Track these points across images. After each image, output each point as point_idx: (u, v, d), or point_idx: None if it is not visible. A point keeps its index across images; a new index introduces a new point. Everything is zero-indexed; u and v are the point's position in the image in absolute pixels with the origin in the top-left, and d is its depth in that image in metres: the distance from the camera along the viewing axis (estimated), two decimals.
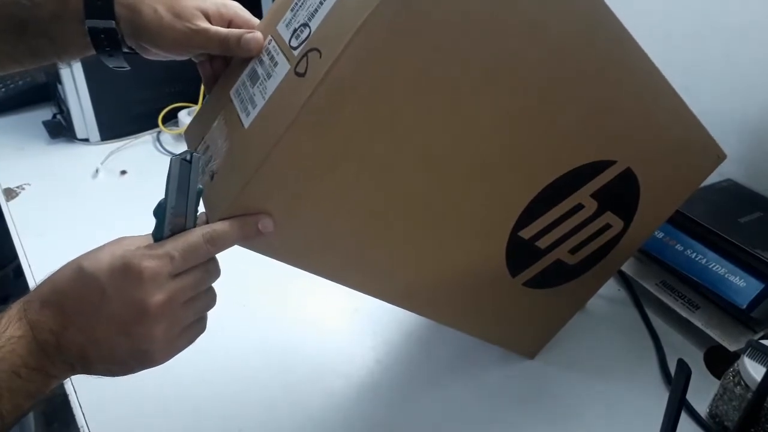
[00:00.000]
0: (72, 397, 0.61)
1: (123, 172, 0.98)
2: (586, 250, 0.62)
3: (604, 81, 0.51)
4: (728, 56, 0.80)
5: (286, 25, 0.49)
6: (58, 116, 1.10)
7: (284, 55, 0.47)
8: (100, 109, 1.04)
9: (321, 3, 0.46)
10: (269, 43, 0.50)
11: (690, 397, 0.54)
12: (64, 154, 1.04)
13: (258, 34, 0.50)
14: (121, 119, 1.07)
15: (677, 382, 0.49)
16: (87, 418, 0.60)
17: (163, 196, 0.41)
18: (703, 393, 0.63)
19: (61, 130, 1.08)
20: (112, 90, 1.04)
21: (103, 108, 1.04)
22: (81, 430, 0.59)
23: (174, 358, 0.65)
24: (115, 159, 1.01)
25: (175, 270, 0.40)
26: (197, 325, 0.44)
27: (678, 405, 0.49)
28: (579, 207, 0.58)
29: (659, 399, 0.53)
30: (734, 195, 0.81)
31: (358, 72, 0.42)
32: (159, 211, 0.41)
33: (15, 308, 0.41)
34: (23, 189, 0.95)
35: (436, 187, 0.51)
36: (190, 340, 0.44)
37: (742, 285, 0.68)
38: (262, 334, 0.70)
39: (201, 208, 0.44)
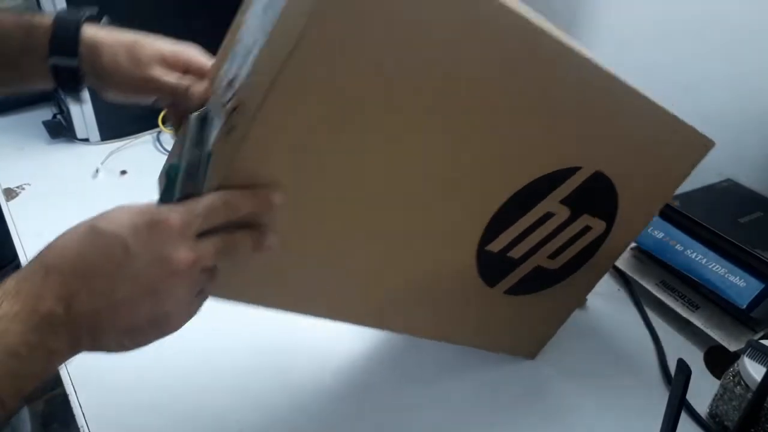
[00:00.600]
0: (72, 397, 0.61)
1: (123, 172, 0.98)
2: (567, 254, 0.61)
3: (550, 97, 0.49)
4: (728, 56, 0.80)
5: (225, 73, 0.49)
6: (58, 116, 1.10)
7: (220, 106, 0.46)
8: (100, 109, 1.04)
9: (247, 54, 0.45)
10: (213, 92, 0.50)
11: (690, 397, 0.54)
12: (64, 154, 1.04)
13: (204, 86, 0.50)
14: (121, 119, 1.07)
15: (677, 382, 0.49)
16: (87, 419, 0.60)
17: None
18: (703, 393, 0.63)
19: (61, 130, 1.08)
20: None
21: (103, 108, 1.04)
22: (81, 430, 0.59)
23: (175, 358, 0.66)
24: (115, 159, 1.01)
25: (199, 229, 0.39)
26: (203, 295, 0.42)
27: (678, 405, 0.49)
28: (549, 215, 0.57)
29: (659, 399, 0.53)
30: (734, 195, 0.81)
31: (279, 127, 0.41)
32: (172, 172, 0.39)
33: (10, 282, 0.36)
34: (23, 189, 0.95)
35: (392, 211, 0.51)
36: (197, 310, 0.42)
37: (742, 285, 0.68)
38: (261, 334, 0.70)
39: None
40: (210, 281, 0.42)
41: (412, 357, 0.69)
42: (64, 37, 0.52)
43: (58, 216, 0.89)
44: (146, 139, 1.07)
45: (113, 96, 0.54)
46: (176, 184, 0.40)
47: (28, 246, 0.83)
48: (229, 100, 0.46)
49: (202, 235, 0.39)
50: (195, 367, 0.66)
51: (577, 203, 0.57)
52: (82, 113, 1.03)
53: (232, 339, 0.69)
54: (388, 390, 0.65)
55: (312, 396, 0.64)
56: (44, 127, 1.09)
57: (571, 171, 0.55)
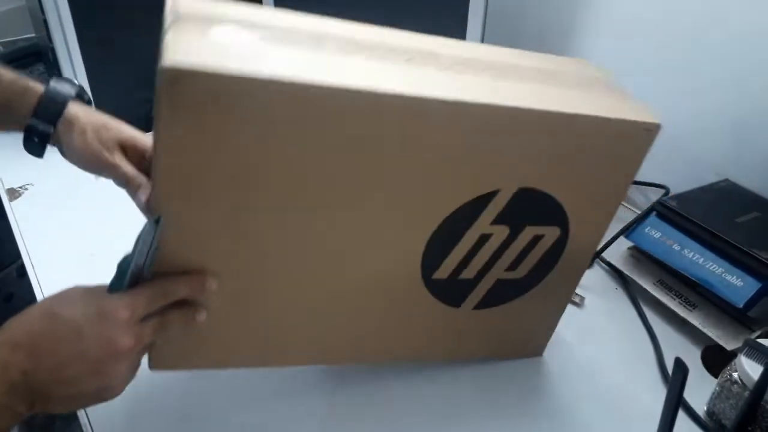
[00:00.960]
0: None
1: None
2: (527, 263, 0.61)
3: (424, 147, 0.49)
4: (727, 57, 0.80)
5: None
6: None
7: None
8: (101, 110, 1.04)
9: None
10: None
11: (687, 395, 0.55)
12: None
13: (145, 195, 0.57)
14: (123, 120, 1.07)
15: (675, 380, 0.49)
16: (90, 419, 0.60)
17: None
18: (700, 392, 0.63)
19: None
20: (114, 91, 1.04)
21: (105, 109, 1.04)
22: (83, 428, 0.60)
23: None
24: None
25: (143, 314, 0.45)
26: (138, 363, 0.48)
27: (675, 403, 0.50)
28: (485, 237, 0.57)
29: (657, 397, 0.54)
30: (731, 195, 0.81)
31: (181, 224, 0.46)
32: (124, 264, 0.45)
33: None
34: (26, 189, 0.95)
35: (319, 271, 0.55)
36: (133, 377, 0.48)
37: (739, 284, 0.68)
38: None
39: None
40: (144, 354, 0.49)
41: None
42: (49, 108, 0.58)
43: (61, 216, 0.90)
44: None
45: (77, 164, 0.61)
46: (126, 275, 0.45)
47: (30, 246, 0.83)
48: None
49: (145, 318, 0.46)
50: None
51: (513, 219, 0.57)
52: None
53: None
54: (387, 387, 0.65)
55: (313, 392, 0.64)
56: None
57: (490, 195, 0.54)
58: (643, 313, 0.76)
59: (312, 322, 0.59)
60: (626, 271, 0.80)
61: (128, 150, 0.60)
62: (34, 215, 0.89)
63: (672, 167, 0.89)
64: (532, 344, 0.69)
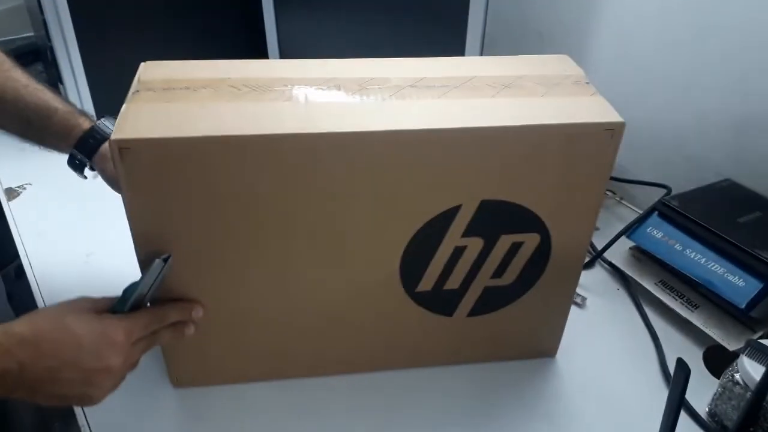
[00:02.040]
0: None
1: None
2: (512, 269, 0.60)
3: (366, 176, 0.52)
4: (727, 56, 0.80)
5: None
6: None
7: None
8: (101, 110, 1.04)
9: None
10: None
11: (689, 396, 0.54)
12: (66, 156, 1.04)
13: None
14: None
15: (676, 381, 0.49)
16: (88, 418, 0.60)
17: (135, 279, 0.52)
18: (702, 392, 0.63)
19: None
20: (113, 94, 1.04)
21: (105, 109, 1.04)
22: (82, 429, 0.59)
23: None
24: None
25: (138, 337, 0.52)
26: (123, 378, 0.54)
27: (677, 404, 0.49)
28: (460, 249, 0.58)
29: (659, 398, 0.54)
30: (733, 195, 0.81)
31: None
32: (129, 292, 0.52)
33: None
34: (24, 189, 0.95)
35: (303, 296, 0.59)
36: (116, 388, 0.53)
37: (741, 284, 0.68)
38: None
39: None
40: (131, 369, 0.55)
41: None
42: (89, 143, 0.68)
43: (59, 216, 0.90)
44: None
45: (112, 187, 0.69)
46: (130, 300, 0.52)
47: (29, 245, 0.83)
48: None
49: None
50: None
51: (484, 231, 0.57)
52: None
53: None
54: (387, 386, 0.65)
55: (314, 391, 0.64)
56: None
57: (453, 211, 0.55)
58: (645, 314, 0.76)
59: (308, 339, 0.62)
60: (628, 272, 0.79)
61: None
62: (32, 215, 0.89)
63: (674, 167, 0.89)
64: (541, 345, 0.69)
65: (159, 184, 0.49)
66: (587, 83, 0.58)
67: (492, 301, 0.63)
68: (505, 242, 0.58)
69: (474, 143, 0.52)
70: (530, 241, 0.59)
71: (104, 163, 0.68)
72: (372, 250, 0.57)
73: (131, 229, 0.51)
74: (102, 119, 0.69)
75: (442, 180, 0.53)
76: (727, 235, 0.70)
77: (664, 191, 0.87)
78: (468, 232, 0.57)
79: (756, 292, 0.67)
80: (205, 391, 0.64)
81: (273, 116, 0.50)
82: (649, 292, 0.76)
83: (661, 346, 0.71)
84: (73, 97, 1.02)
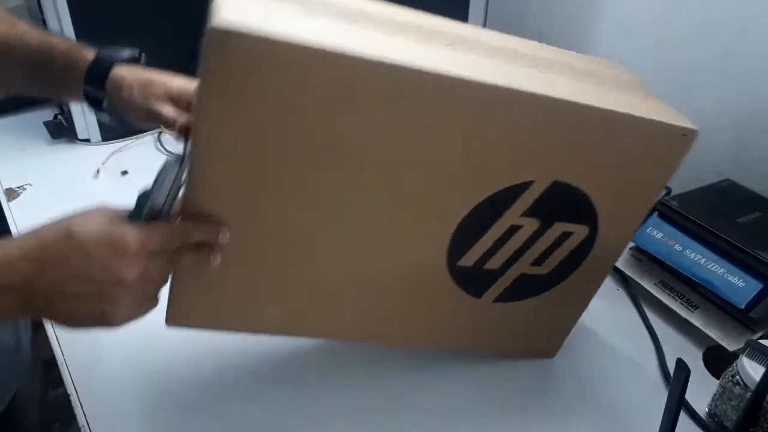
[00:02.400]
0: (73, 398, 0.62)
1: (124, 173, 0.98)
2: (553, 259, 0.60)
3: (469, 130, 0.49)
4: (728, 56, 0.80)
5: None
6: (59, 117, 1.10)
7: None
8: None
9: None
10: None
11: (689, 396, 0.54)
12: (65, 154, 1.04)
13: (185, 118, 0.60)
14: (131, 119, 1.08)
15: (676, 381, 0.49)
16: (88, 418, 0.60)
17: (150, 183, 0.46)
18: (702, 393, 0.63)
19: (62, 130, 1.08)
20: None
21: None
22: (82, 430, 0.59)
23: (176, 357, 0.66)
24: (116, 159, 1.01)
25: (153, 251, 0.46)
26: (152, 301, 0.49)
27: (677, 404, 0.49)
28: (515, 228, 0.57)
29: (658, 398, 0.54)
30: (733, 195, 0.81)
31: (215, 172, 0.47)
32: (143, 198, 0.46)
33: None
34: (24, 189, 0.95)
35: (346, 243, 0.55)
36: (143, 313, 0.49)
37: (740, 285, 0.68)
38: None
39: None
40: (164, 284, 0.50)
41: (411, 353, 0.69)
42: (97, 72, 0.64)
43: (60, 216, 0.90)
44: (147, 139, 1.08)
45: (129, 121, 0.66)
46: (144, 208, 0.46)
47: None
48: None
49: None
50: (196, 366, 0.66)
51: (544, 213, 0.57)
52: (83, 114, 1.03)
53: (234, 338, 0.69)
54: (387, 385, 0.65)
55: (315, 391, 0.64)
56: (45, 128, 1.09)
57: (524, 186, 0.54)
58: (645, 314, 0.76)
59: (332, 296, 0.59)
60: (628, 272, 0.79)
61: (175, 100, 0.62)
62: (32, 216, 0.89)
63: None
64: (545, 345, 0.69)
65: (250, 90, 0.43)
66: (649, 89, 0.58)
67: (522, 289, 0.62)
68: (557, 229, 0.58)
69: (572, 120, 0.51)
70: (579, 233, 0.59)
71: (119, 93, 0.64)
72: (432, 215, 0.55)
73: (195, 139, 0.45)
74: (103, 49, 0.66)
75: (527, 151, 0.52)
76: (727, 236, 0.70)
77: (663, 191, 0.87)
78: (529, 212, 0.56)
79: (756, 293, 0.67)
80: (203, 395, 0.64)
81: (387, 46, 0.46)
82: (649, 292, 0.76)
83: (660, 347, 0.71)
84: None
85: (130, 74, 0.64)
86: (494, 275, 0.60)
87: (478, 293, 0.62)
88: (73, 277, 0.44)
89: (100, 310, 0.45)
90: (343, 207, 0.52)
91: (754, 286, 0.67)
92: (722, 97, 0.81)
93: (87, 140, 1.06)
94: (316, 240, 0.54)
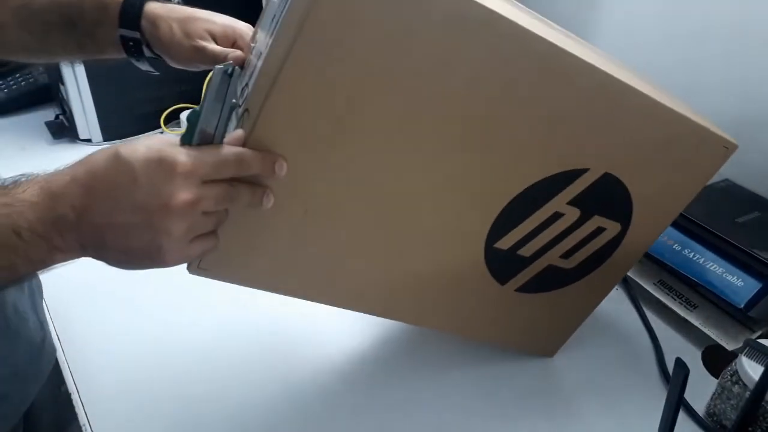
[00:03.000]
0: (74, 396, 0.62)
1: None
2: (581, 254, 0.61)
3: (549, 102, 0.50)
4: (728, 56, 0.80)
5: (253, 48, 0.53)
6: (61, 117, 1.10)
7: (247, 75, 0.51)
8: (102, 110, 1.05)
9: (267, 36, 0.48)
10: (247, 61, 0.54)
11: (688, 396, 0.55)
12: (67, 154, 1.04)
13: (239, 53, 0.57)
14: (123, 120, 1.08)
15: (675, 381, 0.49)
16: (89, 417, 0.60)
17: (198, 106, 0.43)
18: (701, 392, 0.63)
19: (63, 130, 1.08)
20: (114, 91, 1.04)
21: (106, 108, 1.05)
22: (83, 428, 0.60)
23: (177, 356, 0.66)
24: None
25: (206, 176, 0.42)
26: (210, 238, 0.45)
27: (676, 404, 0.49)
28: (557, 215, 0.58)
29: (658, 398, 0.54)
30: (732, 195, 0.81)
31: (287, 112, 0.44)
32: (192, 117, 0.43)
33: (42, 176, 0.43)
34: None
35: (396, 205, 0.53)
36: (201, 252, 0.45)
37: (739, 284, 0.68)
38: (263, 331, 0.71)
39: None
40: (224, 221, 0.46)
41: (413, 352, 0.69)
42: (129, 13, 0.60)
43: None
44: None
45: (172, 63, 0.62)
46: (195, 130, 0.43)
47: None
48: (246, 84, 0.49)
49: (209, 181, 0.42)
50: (197, 365, 0.66)
51: (587, 204, 0.57)
52: (84, 114, 1.03)
53: (234, 338, 0.69)
54: (388, 384, 0.65)
55: (315, 392, 0.64)
56: (47, 128, 1.09)
57: (578, 172, 0.55)
58: (644, 314, 0.76)
59: (366, 266, 0.57)
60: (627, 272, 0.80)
61: (219, 39, 0.60)
62: None
63: None
64: (547, 343, 0.69)
65: (341, 37, 0.42)
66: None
67: (545, 281, 0.63)
68: (594, 223, 0.59)
69: (635, 110, 0.53)
70: (611, 229, 0.60)
71: (156, 31, 0.60)
72: (488, 187, 0.54)
73: (274, 81, 0.42)
74: None
75: (590, 136, 0.53)
76: (725, 235, 0.70)
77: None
78: (575, 201, 0.57)
79: (755, 292, 0.67)
80: (203, 394, 0.64)
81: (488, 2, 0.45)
82: (648, 291, 0.77)
83: (659, 346, 0.71)
84: (74, 97, 1.02)
85: (166, 11, 0.61)
86: (524, 262, 0.61)
87: (503, 280, 0.62)
88: (121, 204, 0.40)
89: (152, 243, 0.41)
90: (404, 172, 0.50)
91: (752, 286, 0.67)
92: (722, 98, 0.81)
93: (88, 140, 1.06)
94: (368, 204, 0.52)
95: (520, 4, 0.54)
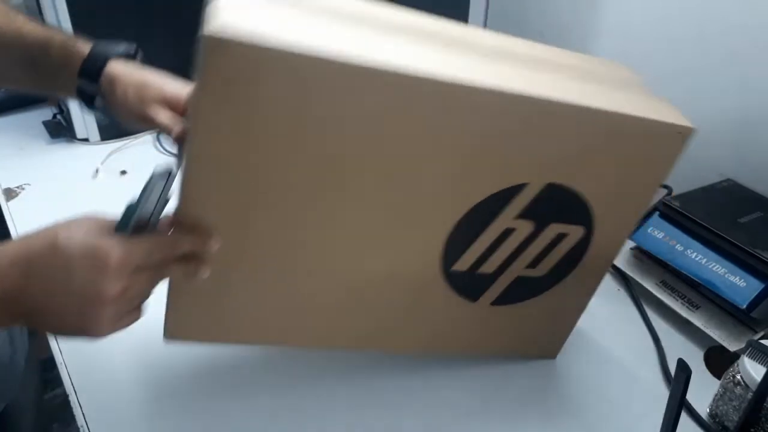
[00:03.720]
0: (72, 398, 0.62)
1: (123, 172, 0.98)
2: (548, 261, 0.60)
3: (456, 132, 0.49)
4: (728, 56, 0.80)
5: None
6: (58, 116, 1.10)
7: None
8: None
9: None
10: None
11: (690, 397, 0.54)
12: (64, 154, 1.04)
13: (179, 128, 0.59)
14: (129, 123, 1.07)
15: (677, 382, 0.49)
16: (87, 419, 0.60)
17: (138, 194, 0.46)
18: (703, 393, 0.63)
19: (61, 130, 1.08)
20: None
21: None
22: (81, 430, 0.59)
23: (175, 358, 0.66)
24: (115, 159, 1.01)
25: (138, 266, 0.45)
26: (136, 313, 0.48)
27: (678, 405, 0.49)
28: (509, 231, 0.57)
29: (659, 399, 0.53)
30: (734, 195, 0.81)
31: (206, 184, 0.47)
32: (130, 210, 0.45)
33: None
34: (23, 189, 0.95)
35: (337, 251, 0.55)
36: (126, 325, 0.48)
37: (742, 285, 0.68)
38: None
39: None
40: (149, 296, 0.49)
41: (410, 356, 0.69)
42: (91, 69, 0.62)
43: (58, 216, 0.88)
44: (146, 139, 1.07)
45: (122, 122, 0.64)
46: (131, 220, 0.45)
47: None
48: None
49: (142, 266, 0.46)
50: (195, 366, 0.66)
51: (538, 215, 0.56)
52: (82, 113, 1.03)
53: None
54: (388, 384, 0.65)
55: (313, 391, 0.64)
56: (44, 127, 1.09)
57: (517, 188, 0.54)
58: (646, 314, 0.75)
59: (328, 306, 0.59)
60: (629, 272, 0.79)
61: (172, 105, 0.61)
62: (31, 215, 0.89)
63: (675, 167, 0.89)
64: (546, 345, 0.69)
65: (245, 98, 0.43)
66: (648, 88, 0.58)
67: (519, 292, 0.62)
68: (552, 231, 0.58)
69: (564, 120, 0.51)
70: (574, 234, 0.58)
71: (113, 92, 0.62)
72: (425, 221, 0.55)
73: (191, 146, 0.45)
74: (98, 42, 0.64)
75: (520, 153, 0.52)
76: (728, 236, 0.70)
77: (665, 191, 0.87)
78: (523, 214, 0.56)
79: (757, 293, 0.67)
80: (203, 393, 0.63)
81: (380, 50, 0.45)
82: (650, 292, 0.76)
83: (661, 347, 0.71)
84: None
85: (125, 73, 0.62)
86: (490, 279, 0.60)
87: (473, 297, 0.62)
88: (56, 290, 0.43)
89: (82, 324, 0.45)
90: (337, 215, 0.52)
91: (755, 286, 0.67)
92: (724, 97, 0.81)
93: (86, 140, 1.06)
94: (310, 249, 0.54)
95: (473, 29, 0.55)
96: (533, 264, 0.60)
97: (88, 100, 0.64)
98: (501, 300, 0.62)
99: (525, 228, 0.57)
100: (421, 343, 0.65)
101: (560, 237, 0.58)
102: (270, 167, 0.47)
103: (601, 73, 0.58)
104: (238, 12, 0.41)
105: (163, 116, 0.60)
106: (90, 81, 0.62)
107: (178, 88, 0.62)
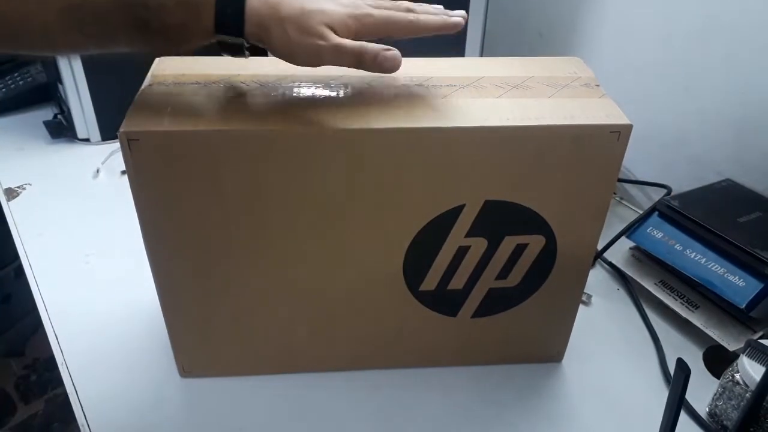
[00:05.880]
0: (72, 397, 0.62)
1: (124, 172, 0.98)
2: (517, 271, 0.60)
3: (367, 176, 0.52)
4: (728, 56, 0.80)
5: None
6: (59, 116, 1.10)
7: None
8: (101, 109, 1.04)
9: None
10: None
11: (689, 396, 0.54)
12: (65, 154, 1.04)
13: (396, 53, 0.51)
14: (122, 119, 1.07)
15: (676, 381, 0.49)
16: (87, 418, 0.60)
17: None
18: (702, 392, 0.63)
19: (61, 130, 1.08)
20: (112, 89, 1.04)
21: (104, 107, 1.04)
22: (81, 429, 0.59)
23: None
24: (116, 159, 1.01)
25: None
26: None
27: (677, 404, 0.49)
28: (463, 248, 0.57)
29: (659, 398, 0.53)
30: (733, 195, 0.81)
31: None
32: None
33: None
34: (24, 189, 0.95)
35: (306, 290, 0.59)
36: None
37: (741, 284, 0.68)
38: None
39: None
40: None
41: None
42: (228, 18, 0.50)
43: (59, 216, 0.90)
44: None
45: (296, 65, 0.53)
46: None
47: (28, 246, 0.83)
48: None
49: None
50: None
51: (488, 231, 0.57)
52: (83, 113, 1.03)
53: None
54: (387, 385, 0.65)
55: (313, 390, 0.64)
56: (45, 127, 1.09)
57: (457, 210, 0.55)
58: (645, 314, 0.75)
59: (312, 335, 0.63)
60: (628, 272, 0.79)
61: (339, 33, 0.51)
62: (31, 215, 0.89)
63: (674, 167, 0.89)
64: (548, 349, 0.68)
65: (166, 176, 0.50)
66: (597, 85, 0.57)
67: (497, 302, 0.62)
68: (509, 243, 0.58)
69: (479, 142, 0.52)
70: (535, 243, 0.58)
71: (267, 36, 0.50)
72: (375, 248, 0.57)
73: (140, 221, 0.52)
74: None
75: (445, 179, 0.53)
76: (727, 235, 0.70)
77: (664, 191, 0.87)
78: (472, 233, 0.56)
79: (756, 292, 0.67)
80: (204, 392, 0.64)
81: (279, 112, 0.51)
82: (649, 292, 0.76)
83: (661, 347, 0.71)
84: (72, 96, 1.02)
85: (270, 11, 0.51)
86: (462, 294, 0.61)
87: (452, 313, 0.63)
88: None
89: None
90: (289, 257, 0.56)
91: (754, 286, 0.67)
92: (723, 97, 0.81)
93: (87, 140, 1.06)
94: (278, 289, 0.59)
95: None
96: (502, 275, 0.60)
97: (235, 52, 0.52)
98: (481, 312, 0.63)
99: (479, 244, 0.58)
100: (415, 358, 0.66)
101: (521, 247, 0.58)
102: (213, 224, 0.53)
103: (535, 79, 0.58)
104: (154, 103, 0.51)
105: (351, 41, 0.51)
106: (233, 34, 0.51)
107: (344, 16, 0.52)
